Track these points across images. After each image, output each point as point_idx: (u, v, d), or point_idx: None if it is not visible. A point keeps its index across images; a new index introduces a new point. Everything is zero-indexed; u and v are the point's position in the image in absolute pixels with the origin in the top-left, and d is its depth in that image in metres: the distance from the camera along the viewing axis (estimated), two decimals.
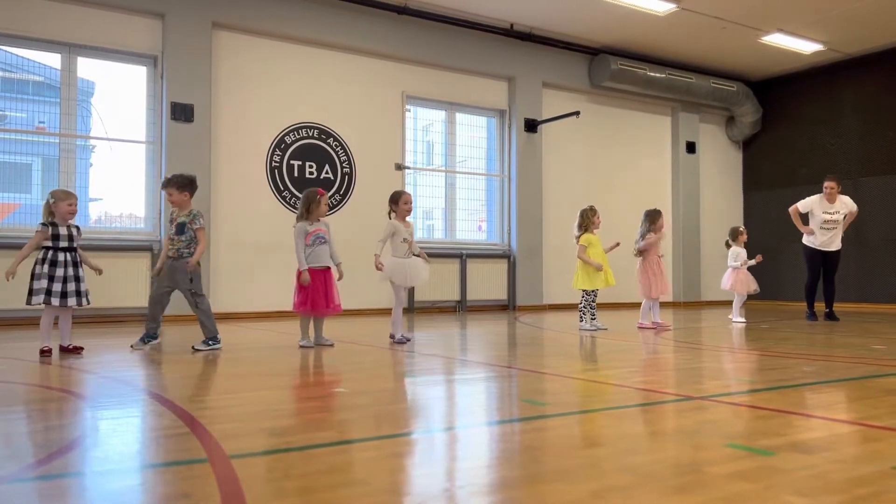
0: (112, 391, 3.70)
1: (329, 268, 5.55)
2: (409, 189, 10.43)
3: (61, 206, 4.89)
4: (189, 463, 2.17)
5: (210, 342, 5.27)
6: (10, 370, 4.40)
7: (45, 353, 4.85)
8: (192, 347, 5.26)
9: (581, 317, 7.23)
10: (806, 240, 8.80)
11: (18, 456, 2.31)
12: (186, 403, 3.13)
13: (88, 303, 5.02)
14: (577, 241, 7.20)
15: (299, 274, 5.47)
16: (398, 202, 5.86)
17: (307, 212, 5.59)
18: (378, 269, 5.70)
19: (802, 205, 8.84)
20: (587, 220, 7.19)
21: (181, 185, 5.30)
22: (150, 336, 5.35)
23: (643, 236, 7.52)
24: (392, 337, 5.95)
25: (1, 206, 8.41)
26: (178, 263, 5.24)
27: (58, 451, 2.36)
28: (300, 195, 9.40)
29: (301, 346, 5.51)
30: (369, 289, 9.05)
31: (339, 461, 2.21)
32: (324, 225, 5.62)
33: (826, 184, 8.70)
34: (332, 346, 5.56)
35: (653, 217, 7.56)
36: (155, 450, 2.39)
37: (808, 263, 8.83)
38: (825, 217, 8.66)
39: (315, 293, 5.43)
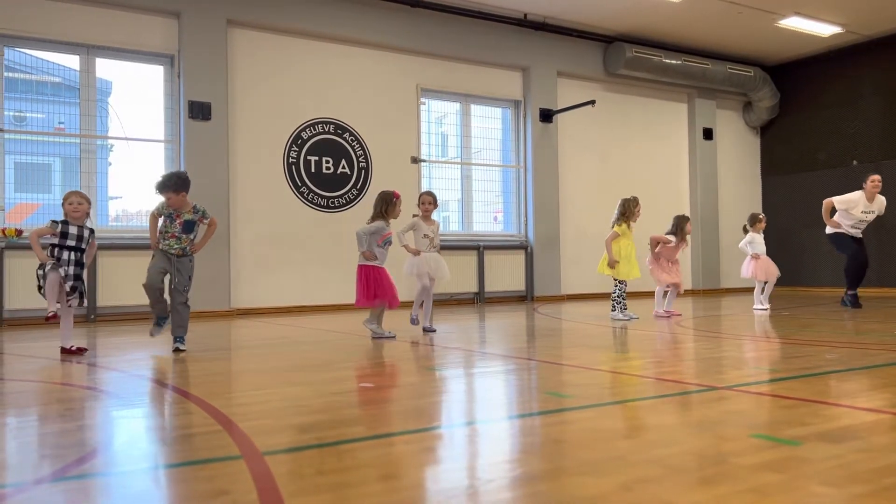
0: (141, 389, 3.77)
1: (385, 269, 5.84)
2: (424, 182, 10.48)
3: (64, 204, 5.03)
4: (224, 460, 2.21)
5: (182, 341, 5.14)
6: (38, 369, 4.48)
7: (51, 318, 4.72)
8: (178, 349, 5.05)
9: (613, 306, 7.26)
10: (831, 230, 8.46)
11: (53, 455, 2.36)
12: (216, 400, 3.19)
13: (84, 304, 5.12)
14: (613, 228, 7.19)
15: (361, 269, 5.67)
16: (420, 202, 6.30)
17: (384, 212, 5.76)
18: (409, 251, 6.15)
19: (841, 201, 8.20)
20: (628, 210, 7.19)
21: (178, 187, 5.12)
22: (163, 318, 5.23)
23: (672, 237, 7.63)
24: (423, 327, 6.29)
25: (22, 206, 8.52)
26: (184, 260, 5.14)
27: (93, 450, 2.41)
28: (318, 191, 9.61)
29: (382, 338, 5.70)
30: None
31: (370, 456, 2.25)
32: (391, 230, 5.85)
33: (872, 177, 8.08)
34: (393, 337, 5.77)
35: (681, 224, 7.64)
36: (189, 447, 2.44)
37: (845, 249, 8.36)
38: (862, 217, 8.16)
39: (381, 286, 5.68)
